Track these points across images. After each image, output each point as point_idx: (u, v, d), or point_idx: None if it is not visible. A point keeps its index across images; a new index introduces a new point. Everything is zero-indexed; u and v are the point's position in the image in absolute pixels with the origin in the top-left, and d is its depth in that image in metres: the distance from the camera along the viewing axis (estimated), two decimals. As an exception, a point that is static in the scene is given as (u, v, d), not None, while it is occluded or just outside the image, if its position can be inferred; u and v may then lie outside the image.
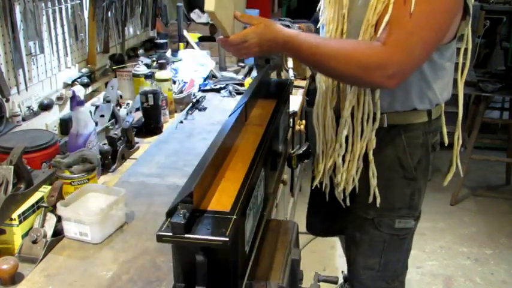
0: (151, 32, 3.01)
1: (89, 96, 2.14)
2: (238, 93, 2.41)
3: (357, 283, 1.73)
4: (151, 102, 1.92)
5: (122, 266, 1.17)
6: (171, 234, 0.89)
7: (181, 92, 2.26)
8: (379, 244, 1.61)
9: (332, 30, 1.49)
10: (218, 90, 2.43)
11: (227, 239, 0.88)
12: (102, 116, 1.82)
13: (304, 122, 2.54)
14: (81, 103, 1.63)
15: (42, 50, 1.89)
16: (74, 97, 1.73)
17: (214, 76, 2.59)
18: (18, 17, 1.74)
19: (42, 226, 1.24)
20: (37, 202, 1.27)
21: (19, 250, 1.22)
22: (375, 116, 1.46)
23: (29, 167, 1.31)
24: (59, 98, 1.98)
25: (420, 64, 1.33)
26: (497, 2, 4.28)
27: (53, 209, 1.27)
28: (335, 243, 3.13)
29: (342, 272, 1.85)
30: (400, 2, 1.26)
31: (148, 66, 2.35)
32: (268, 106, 1.60)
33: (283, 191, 2.29)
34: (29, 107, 1.83)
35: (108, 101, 1.86)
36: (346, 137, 1.51)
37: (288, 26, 2.39)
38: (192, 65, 2.51)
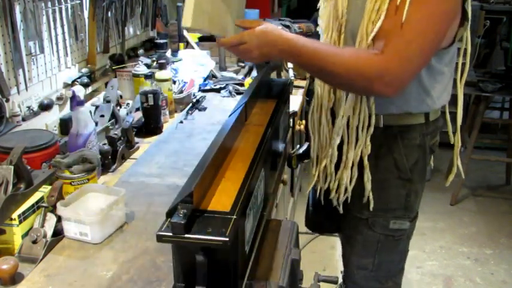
0: (151, 32, 3.01)
1: (89, 96, 2.14)
2: (238, 93, 2.41)
3: (350, 283, 1.72)
4: (151, 102, 1.92)
5: (122, 266, 1.17)
6: (171, 234, 0.89)
7: (181, 92, 2.26)
8: (373, 244, 1.60)
9: (328, 38, 1.49)
10: (218, 90, 2.43)
11: (227, 239, 0.88)
12: (102, 116, 1.82)
13: (304, 122, 2.54)
14: (81, 103, 1.63)
15: (42, 50, 1.89)
16: (74, 97, 1.73)
17: (214, 76, 2.59)
18: (18, 17, 1.74)
19: (42, 226, 1.24)
20: (37, 202, 1.27)
21: (19, 250, 1.22)
22: (370, 122, 1.44)
23: (29, 167, 1.31)
24: (59, 98, 1.98)
25: (418, 71, 1.33)
26: (497, 2, 4.28)
27: (53, 209, 1.27)
28: (335, 243, 3.13)
29: (341, 272, 1.85)
30: (396, 10, 1.25)
31: (148, 66, 2.35)
32: (268, 106, 1.59)
33: (283, 191, 2.29)
34: (29, 107, 1.83)
35: (108, 101, 1.86)
36: (341, 145, 1.51)
37: (288, 26, 2.40)
38: (192, 65, 2.51)
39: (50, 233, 1.24)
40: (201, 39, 2.98)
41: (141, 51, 2.76)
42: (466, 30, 1.39)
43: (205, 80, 2.51)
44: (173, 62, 2.51)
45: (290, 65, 2.39)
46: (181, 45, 2.84)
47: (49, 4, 1.93)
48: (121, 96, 2.13)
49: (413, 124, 1.48)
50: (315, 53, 1.32)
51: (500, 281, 2.91)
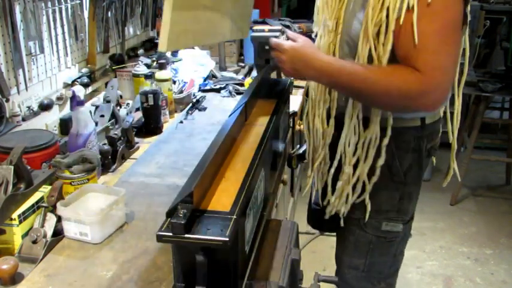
0: (151, 32, 3.01)
1: (89, 96, 2.14)
2: (238, 93, 2.41)
3: (342, 282, 1.72)
4: (151, 102, 1.92)
5: (122, 266, 1.17)
6: (171, 234, 0.89)
7: (181, 92, 2.26)
8: (365, 245, 1.59)
9: (324, 44, 1.49)
10: (218, 90, 2.43)
11: (227, 239, 0.88)
12: (102, 116, 1.82)
13: (303, 122, 2.54)
14: (81, 103, 1.63)
15: (42, 50, 1.89)
16: (74, 97, 1.73)
17: (214, 76, 2.59)
18: (18, 17, 1.74)
19: (42, 226, 1.24)
20: (37, 202, 1.27)
21: (19, 250, 1.22)
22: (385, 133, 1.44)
23: (29, 167, 1.31)
24: (59, 98, 1.98)
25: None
26: (497, 2, 4.28)
27: (53, 209, 1.27)
28: (335, 243, 3.13)
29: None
30: (410, 25, 1.25)
31: (148, 66, 2.35)
32: (268, 106, 1.59)
33: (283, 191, 2.29)
34: (29, 107, 1.83)
35: (108, 101, 1.86)
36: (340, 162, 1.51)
37: (288, 26, 2.40)
38: (192, 65, 2.51)
39: (50, 233, 1.24)
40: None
41: (141, 51, 2.76)
42: (465, 33, 1.39)
43: (205, 80, 2.51)
44: (173, 62, 2.51)
45: (290, 65, 2.39)
46: (182, 45, 2.83)
47: (49, 4, 1.93)
48: (121, 96, 2.13)
49: (407, 127, 1.47)
50: (351, 75, 1.32)
51: (500, 281, 2.91)
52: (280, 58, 1.46)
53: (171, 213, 0.91)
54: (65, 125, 1.83)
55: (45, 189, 1.31)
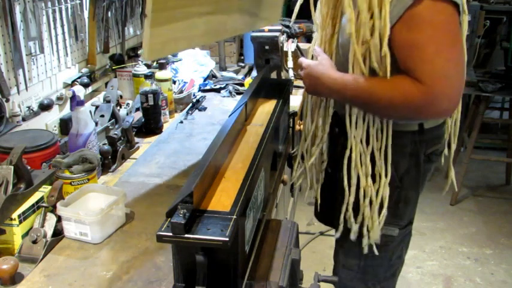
0: (151, 32, 3.00)
1: (89, 96, 2.14)
2: (238, 93, 2.41)
3: (337, 281, 1.72)
4: (151, 102, 1.92)
5: (121, 266, 1.17)
6: (171, 234, 0.89)
7: (181, 92, 2.26)
8: (359, 246, 1.56)
9: (322, 37, 1.51)
10: (218, 90, 2.43)
11: (227, 239, 0.88)
12: (102, 116, 1.82)
13: (302, 123, 2.54)
14: (81, 103, 1.63)
15: (42, 50, 1.89)
16: (74, 97, 1.74)
17: (214, 76, 2.59)
18: (18, 17, 1.74)
19: (42, 226, 1.24)
20: (37, 202, 1.27)
21: (19, 250, 1.22)
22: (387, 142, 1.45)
23: (29, 167, 1.31)
24: (59, 98, 1.98)
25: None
26: (497, 2, 4.27)
27: (53, 209, 1.27)
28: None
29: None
30: (406, 38, 1.26)
31: (148, 66, 2.35)
32: (268, 106, 1.60)
33: (283, 191, 2.29)
34: (29, 107, 1.83)
35: (108, 101, 1.86)
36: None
37: (288, 26, 2.39)
38: (192, 65, 2.51)
39: (50, 233, 1.24)
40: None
41: (141, 51, 2.75)
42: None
43: (205, 80, 2.51)
44: (173, 62, 2.51)
45: (290, 65, 2.39)
46: (181, 45, 2.83)
47: (49, 4, 1.93)
48: (121, 96, 2.13)
49: (404, 131, 1.46)
50: (357, 90, 1.34)
51: (500, 281, 2.91)
52: (301, 75, 1.53)
53: (171, 213, 0.91)
54: (65, 125, 1.83)
55: (45, 189, 1.31)
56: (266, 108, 1.58)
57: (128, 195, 1.37)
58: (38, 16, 1.83)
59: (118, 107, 1.95)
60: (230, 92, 2.40)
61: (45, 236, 1.23)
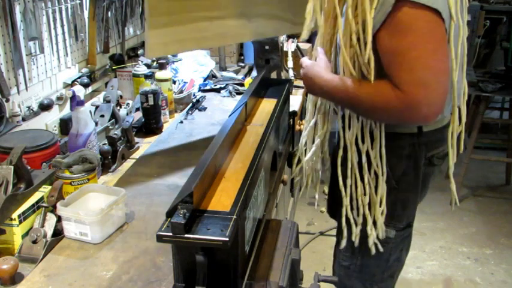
0: (151, 32, 3.01)
1: (89, 96, 2.14)
2: (238, 93, 2.41)
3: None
4: (151, 102, 1.92)
5: (122, 266, 1.17)
6: (171, 234, 0.89)
7: (181, 92, 2.26)
8: (354, 246, 1.56)
9: (322, 36, 1.52)
10: (218, 90, 2.43)
11: (227, 239, 0.88)
12: (102, 116, 1.82)
13: (304, 122, 2.54)
14: (81, 103, 1.63)
15: (42, 50, 1.89)
16: (74, 97, 1.73)
17: (214, 76, 2.59)
18: (18, 17, 1.74)
19: (42, 226, 1.24)
20: (37, 202, 1.27)
21: (19, 250, 1.22)
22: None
23: (29, 167, 1.31)
24: (59, 98, 1.98)
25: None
26: (497, 2, 4.27)
27: (53, 209, 1.27)
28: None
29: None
30: (388, 44, 1.26)
31: (148, 66, 2.35)
32: (268, 106, 1.60)
33: (283, 191, 2.29)
34: (29, 107, 1.83)
35: (108, 101, 1.86)
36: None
37: (288, 26, 2.39)
38: (192, 65, 2.51)
39: (50, 233, 1.24)
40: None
41: (141, 51, 2.75)
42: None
43: (205, 80, 2.51)
44: (173, 62, 2.51)
45: (290, 65, 2.39)
46: (181, 45, 2.83)
47: (49, 4, 1.93)
48: (121, 96, 2.13)
49: (402, 133, 1.45)
50: (343, 93, 1.37)
51: (500, 281, 2.91)
52: (301, 74, 1.55)
53: (171, 213, 0.91)
54: (65, 125, 1.83)
55: (45, 189, 1.31)
56: (266, 108, 1.59)
57: (128, 195, 1.37)
58: (38, 16, 1.83)
59: (118, 107, 1.95)
60: (230, 92, 2.40)
61: (45, 236, 1.23)
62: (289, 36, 2.40)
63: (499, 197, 3.87)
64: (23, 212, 1.23)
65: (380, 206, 1.48)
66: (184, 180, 1.02)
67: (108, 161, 1.64)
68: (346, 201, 1.51)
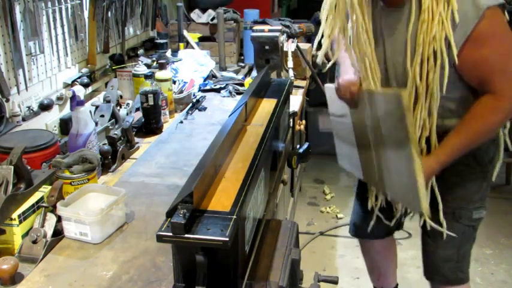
0: (151, 32, 3.01)
1: (89, 96, 2.14)
2: (238, 93, 2.41)
3: (438, 276, 1.80)
4: (151, 102, 1.92)
5: (122, 266, 1.17)
6: (171, 234, 0.89)
7: (181, 92, 2.26)
8: (458, 235, 1.67)
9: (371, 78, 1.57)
10: (218, 90, 2.43)
11: (227, 239, 0.88)
12: (102, 116, 1.82)
13: (304, 122, 2.54)
14: (81, 103, 1.63)
15: (42, 50, 1.89)
16: (74, 97, 1.73)
17: (214, 76, 2.59)
18: (18, 17, 1.74)
19: (42, 226, 1.24)
20: (37, 202, 1.27)
21: (19, 250, 1.22)
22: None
23: (29, 167, 1.31)
24: (59, 98, 1.98)
25: None
26: (497, 2, 4.27)
27: (53, 209, 1.27)
28: (335, 243, 3.13)
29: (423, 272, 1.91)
30: (476, 56, 1.37)
31: (148, 66, 2.35)
32: (268, 106, 1.60)
33: (283, 191, 2.29)
34: (29, 107, 1.83)
35: (108, 101, 1.86)
36: None
37: (288, 26, 2.39)
38: (192, 65, 2.51)
39: (50, 233, 1.24)
40: (201, 39, 2.98)
41: (141, 51, 2.76)
42: None
43: (205, 80, 2.51)
44: (173, 62, 2.51)
45: (290, 65, 2.39)
46: (181, 45, 2.84)
47: (49, 4, 1.93)
48: (121, 96, 2.13)
49: None
50: (462, 146, 1.48)
51: (500, 281, 2.91)
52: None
53: (171, 213, 0.91)
54: (65, 125, 1.83)
55: (45, 189, 1.31)
56: (266, 108, 1.58)
57: (128, 195, 1.37)
58: (38, 16, 1.83)
59: (118, 107, 1.95)
60: (230, 92, 2.40)
61: (45, 236, 1.23)
62: (289, 36, 2.40)
63: (498, 197, 3.86)
64: (23, 212, 1.23)
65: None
66: (184, 180, 1.01)
67: (108, 161, 1.64)
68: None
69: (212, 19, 3.02)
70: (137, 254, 1.21)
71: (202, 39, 2.97)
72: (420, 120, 1.51)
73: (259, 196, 1.22)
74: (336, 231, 3.24)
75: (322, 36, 1.66)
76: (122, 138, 1.73)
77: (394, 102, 1.42)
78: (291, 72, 2.38)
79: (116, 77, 2.30)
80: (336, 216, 3.40)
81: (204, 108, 2.21)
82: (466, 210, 1.66)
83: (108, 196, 1.34)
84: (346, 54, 1.61)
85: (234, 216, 0.94)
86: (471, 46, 1.36)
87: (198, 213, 0.95)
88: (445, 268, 1.77)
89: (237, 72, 2.75)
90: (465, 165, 1.60)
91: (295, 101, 2.25)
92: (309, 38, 3.19)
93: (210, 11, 3.06)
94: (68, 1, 2.05)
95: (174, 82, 2.28)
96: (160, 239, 0.90)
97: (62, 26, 2.03)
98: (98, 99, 2.02)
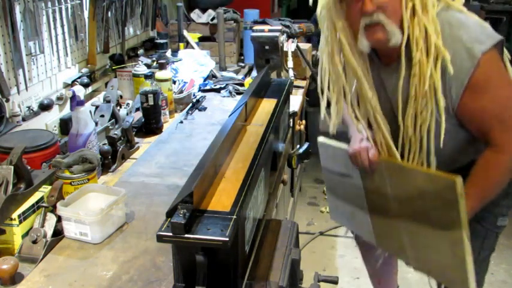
0: (151, 32, 3.01)
1: (89, 96, 2.14)
2: (238, 93, 2.41)
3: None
4: (151, 102, 1.92)
5: (122, 266, 1.17)
6: (171, 234, 0.89)
7: (181, 92, 2.26)
8: (479, 239, 1.62)
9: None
10: (218, 90, 2.43)
11: (227, 239, 0.88)
12: (102, 116, 1.82)
13: (304, 122, 2.54)
14: (81, 103, 1.63)
15: (42, 50, 1.89)
16: (74, 97, 1.73)
17: (214, 76, 2.59)
18: (18, 17, 1.74)
19: (42, 226, 1.24)
20: (37, 202, 1.27)
21: (19, 250, 1.22)
22: None
23: (29, 167, 1.31)
24: (59, 98, 1.98)
25: None
26: (497, 2, 4.28)
27: (53, 209, 1.27)
28: (335, 243, 3.13)
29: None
30: (475, 105, 1.35)
31: (148, 66, 2.35)
32: (268, 106, 1.60)
33: (283, 191, 2.29)
34: (29, 107, 1.83)
35: (108, 101, 1.86)
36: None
37: (288, 26, 2.40)
38: (192, 65, 2.51)
39: (50, 233, 1.24)
40: (201, 39, 2.98)
41: (141, 51, 2.76)
42: None
43: (205, 80, 2.51)
44: (173, 62, 2.51)
45: (290, 65, 2.39)
46: (181, 45, 2.84)
47: (49, 4, 1.93)
48: (121, 96, 2.13)
49: None
50: (478, 198, 1.44)
51: (500, 281, 2.91)
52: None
53: (171, 213, 0.91)
54: (65, 125, 1.83)
55: (45, 189, 1.31)
56: (266, 108, 1.58)
57: (128, 195, 1.37)
58: (38, 16, 1.83)
59: (118, 107, 1.95)
60: (230, 92, 2.40)
61: (45, 236, 1.23)
62: (289, 36, 2.40)
63: (499, 197, 3.86)
64: (23, 212, 1.23)
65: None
66: (184, 180, 1.01)
67: (108, 161, 1.64)
68: None
69: (212, 19, 3.02)
70: (137, 254, 1.21)
71: (202, 39, 2.97)
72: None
73: (259, 196, 1.22)
74: (336, 231, 3.24)
75: (328, 105, 1.60)
76: (122, 138, 1.73)
77: (442, 185, 1.38)
78: (291, 72, 2.38)
79: (116, 77, 2.30)
80: (336, 216, 3.40)
81: (204, 108, 2.22)
82: (490, 213, 1.60)
83: (108, 196, 1.34)
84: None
85: (234, 216, 0.94)
86: (468, 96, 1.34)
87: (198, 213, 0.95)
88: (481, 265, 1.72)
89: (237, 72, 2.75)
90: None
91: (295, 101, 2.25)
92: (309, 38, 3.19)
93: (210, 11, 3.06)
94: (68, 1, 2.05)
95: (174, 82, 2.28)
96: (160, 239, 0.90)
97: (62, 26, 2.03)
98: (98, 99, 2.02)
